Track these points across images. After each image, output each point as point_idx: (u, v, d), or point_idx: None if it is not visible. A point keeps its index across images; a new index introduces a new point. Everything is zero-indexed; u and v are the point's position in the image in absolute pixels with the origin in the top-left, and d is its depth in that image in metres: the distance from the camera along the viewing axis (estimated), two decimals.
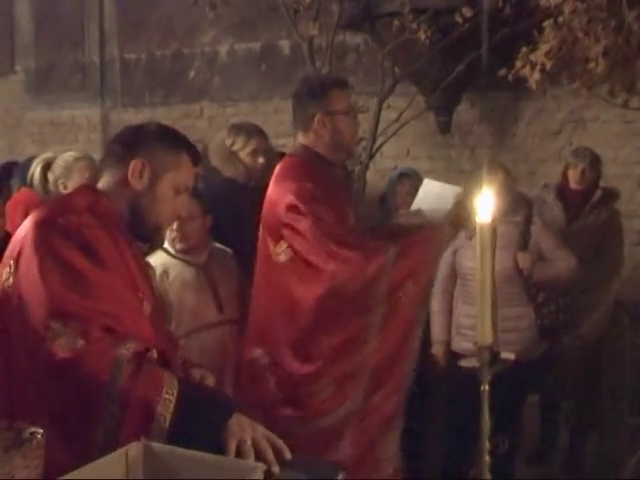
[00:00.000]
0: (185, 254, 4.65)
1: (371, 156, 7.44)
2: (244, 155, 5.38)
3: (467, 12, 6.49)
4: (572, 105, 7.44)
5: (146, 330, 2.66)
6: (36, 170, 5.16)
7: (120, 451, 2.05)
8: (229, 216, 5.18)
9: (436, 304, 5.55)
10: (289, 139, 9.31)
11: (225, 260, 4.82)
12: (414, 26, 6.62)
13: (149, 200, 2.85)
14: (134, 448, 2.07)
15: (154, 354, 2.51)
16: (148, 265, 3.36)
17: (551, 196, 6.48)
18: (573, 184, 6.23)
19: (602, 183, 7.31)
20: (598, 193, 6.26)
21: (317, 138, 4.12)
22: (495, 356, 2.22)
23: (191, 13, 9.32)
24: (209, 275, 4.67)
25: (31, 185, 5.26)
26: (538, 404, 6.53)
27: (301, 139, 4.20)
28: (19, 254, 2.61)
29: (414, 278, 3.97)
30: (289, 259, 3.99)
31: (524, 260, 5.41)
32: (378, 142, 7.61)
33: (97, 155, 7.23)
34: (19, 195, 5.45)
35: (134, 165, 2.83)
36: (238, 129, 5.48)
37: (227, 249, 4.85)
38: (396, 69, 7.51)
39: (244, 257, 4.92)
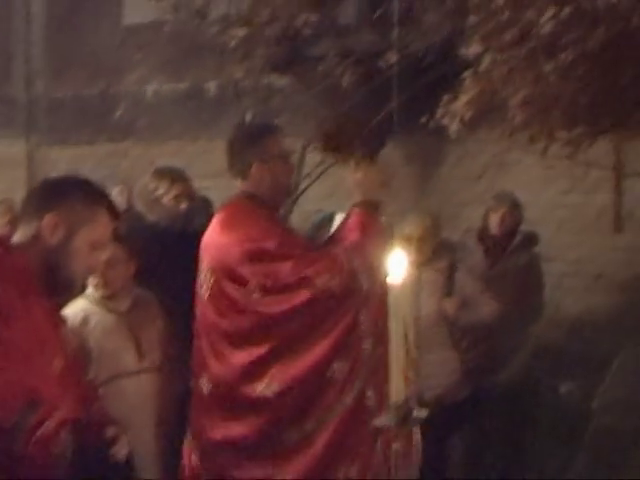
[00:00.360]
0: (107, 300, 4.58)
1: (295, 199, 7.47)
2: (167, 200, 5.38)
3: (391, 58, 6.56)
4: (494, 149, 7.53)
5: (52, 389, 2.63)
6: None
7: None
8: (153, 261, 5.17)
9: None
10: (215, 180, 9.32)
11: (148, 306, 4.72)
12: (339, 70, 6.68)
13: (63, 255, 2.81)
14: None
15: (51, 424, 2.49)
16: (61, 319, 3.30)
17: (472, 240, 6.56)
18: (494, 229, 6.30)
19: (523, 227, 7.45)
20: (518, 237, 6.34)
21: (257, 184, 4.16)
22: (408, 414, 2.23)
23: (118, 52, 9.31)
24: (131, 322, 4.57)
25: None
26: (463, 446, 6.58)
27: (241, 185, 4.23)
28: None
29: (370, 262, 4.01)
30: (262, 295, 4.01)
31: (449, 306, 5.54)
32: (303, 185, 7.65)
33: (22, 193, 7.20)
34: None
35: (48, 219, 2.79)
36: (161, 174, 5.48)
37: (150, 294, 4.79)
38: (322, 111, 7.55)
39: (169, 301, 4.93)
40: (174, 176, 5.47)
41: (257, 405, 4.09)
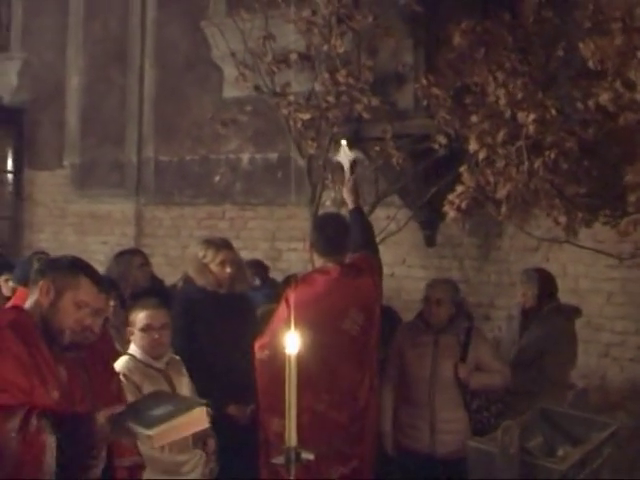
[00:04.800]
0: (150, 359, 5.25)
1: None
2: (214, 266, 6.08)
3: (442, 140, 7.11)
4: (549, 223, 7.96)
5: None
6: None
7: None
8: (200, 320, 5.90)
9: (384, 401, 6.10)
10: (300, 243, 10.05)
11: (178, 366, 5.41)
12: (392, 151, 7.29)
13: (53, 312, 3.63)
14: None
15: (34, 421, 3.28)
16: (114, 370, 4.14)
17: (516, 311, 7.08)
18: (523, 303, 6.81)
19: (575, 297, 7.89)
20: (545, 309, 6.77)
21: None
22: (298, 455, 2.87)
23: (217, 123, 10.08)
24: (167, 378, 5.25)
25: (22, 283, 6.05)
26: None
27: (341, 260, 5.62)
28: None
29: None
30: None
31: (462, 370, 5.97)
32: None
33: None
34: (16, 298, 6.22)
35: (41, 285, 3.67)
36: (209, 243, 6.20)
37: (176, 357, 5.45)
38: (382, 184, 8.14)
39: (211, 354, 5.65)
40: (219, 245, 6.17)
41: None
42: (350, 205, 6.03)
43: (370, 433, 5.59)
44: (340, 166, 6.38)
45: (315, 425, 5.09)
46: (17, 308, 3.77)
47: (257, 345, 5.48)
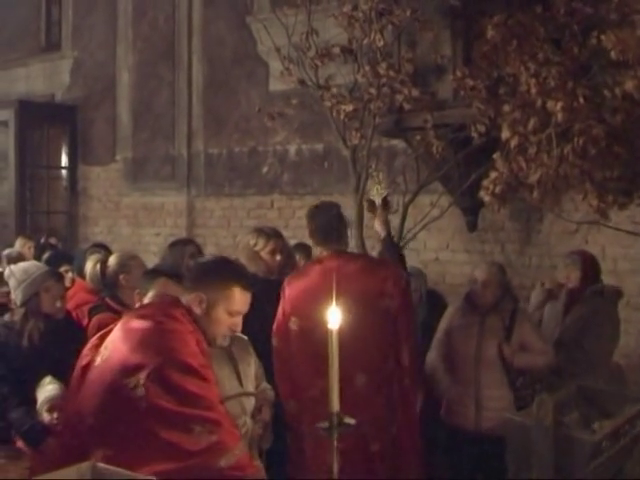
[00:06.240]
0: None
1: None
2: (264, 254, 6.36)
3: (481, 128, 7.30)
4: (587, 207, 8.14)
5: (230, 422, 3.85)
6: (89, 266, 6.24)
7: (72, 467, 2.99)
8: (251, 305, 6.16)
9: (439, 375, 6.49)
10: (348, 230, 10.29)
11: (244, 346, 5.64)
12: (433, 140, 7.51)
13: (206, 321, 3.96)
14: (84, 466, 3.02)
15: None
16: None
17: (563, 292, 7.24)
18: (568, 284, 6.98)
19: (614, 278, 8.07)
20: (587, 291, 6.89)
21: None
22: (341, 420, 3.16)
23: (264, 116, 10.37)
24: (231, 356, 5.56)
25: (80, 274, 6.41)
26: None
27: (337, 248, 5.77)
28: (149, 375, 3.60)
29: None
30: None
31: (506, 350, 6.20)
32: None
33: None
34: (75, 288, 6.59)
35: (194, 298, 3.96)
36: (259, 232, 6.46)
37: (245, 338, 5.74)
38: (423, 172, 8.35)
39: (262, 340, 5.92)
40: (270, 234, 6.43)
41: None
42: (382, 234, 6.50)
43: (400, 404, 5.69)
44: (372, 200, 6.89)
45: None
46: (186, 320, 3.93)
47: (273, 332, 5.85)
